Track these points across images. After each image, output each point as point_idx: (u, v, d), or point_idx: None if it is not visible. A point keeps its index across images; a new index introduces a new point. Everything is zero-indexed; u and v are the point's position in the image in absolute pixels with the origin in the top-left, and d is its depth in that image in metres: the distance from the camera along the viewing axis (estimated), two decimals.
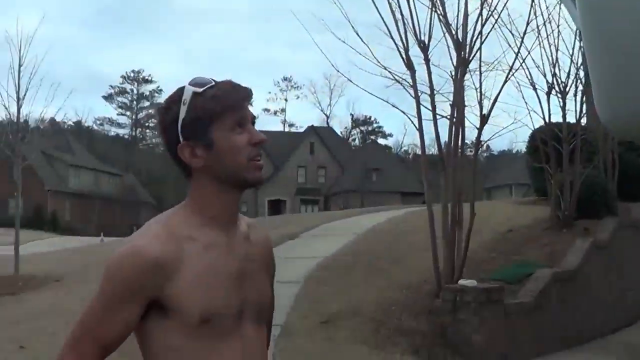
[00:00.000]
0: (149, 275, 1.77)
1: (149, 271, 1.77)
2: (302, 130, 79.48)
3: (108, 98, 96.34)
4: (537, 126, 15.56)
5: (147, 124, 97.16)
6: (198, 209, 1.89)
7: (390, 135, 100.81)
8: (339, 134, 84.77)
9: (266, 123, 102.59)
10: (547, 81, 14.00)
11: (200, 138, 1.83)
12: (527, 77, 13.84)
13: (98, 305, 1.81)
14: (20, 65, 15.94)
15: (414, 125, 10.45)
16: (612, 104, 1.28)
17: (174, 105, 1.86)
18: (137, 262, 1.78)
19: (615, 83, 1.25)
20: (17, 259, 15.40)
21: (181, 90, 1.86)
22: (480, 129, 10.69)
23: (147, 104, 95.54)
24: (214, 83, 1.84)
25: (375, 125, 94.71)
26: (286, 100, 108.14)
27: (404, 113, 11.43)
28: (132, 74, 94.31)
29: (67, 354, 1.81)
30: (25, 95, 16.02)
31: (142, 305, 1.79)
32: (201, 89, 1.82)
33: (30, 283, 14.32)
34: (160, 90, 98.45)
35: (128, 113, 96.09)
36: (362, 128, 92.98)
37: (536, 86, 14.09)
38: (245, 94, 1.87)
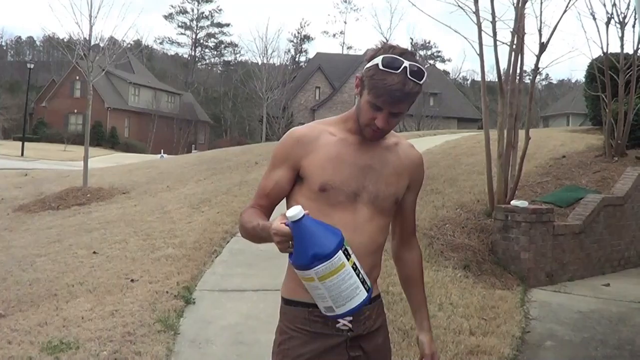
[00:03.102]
0: (292, 148, 2.55)
1: (294, 145, 2.55)
2: (360, 53, 78.74)
3: (168, 17, 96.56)
4: (595, 56, 15.59)
5: (206, 44, 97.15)
6: (348, 119, 2.59)
7: (449, 60, 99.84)
8: None
9: (324, 45, 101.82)
10: (606, 11, 14.02)
11: (362, 84, 2.47)
12: (587, 6, 13.87)
13: (268, 168, 2.63)
14: None
15: (475, 51, 10.68)
16: None
17: (371, 56, 2.45)
18: (288, 138, 2.60)
19: None
20: (86, 172, 15.90)
21: (383, 53, 2.41)
22: (538, 56, 10.79)
23: (207, 23, 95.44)
24: (392, 70, 2.35)
25: (434, 49, 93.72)
26: (345, 22, 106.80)
27: (465, 38, 11.74)
28: None
29: (252, 200, 2.66)
30: (97, 14, 16.55)
31: (290, 170, 2.56)
32: (380, 65, 2.36)
33: (98, 195, 14.77)
34: (220, 9, 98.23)
35: (188, 32, 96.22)
36: (421, 52, 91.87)
37: (595, 16, 14.08)
38: (392, 95, 2.35)
